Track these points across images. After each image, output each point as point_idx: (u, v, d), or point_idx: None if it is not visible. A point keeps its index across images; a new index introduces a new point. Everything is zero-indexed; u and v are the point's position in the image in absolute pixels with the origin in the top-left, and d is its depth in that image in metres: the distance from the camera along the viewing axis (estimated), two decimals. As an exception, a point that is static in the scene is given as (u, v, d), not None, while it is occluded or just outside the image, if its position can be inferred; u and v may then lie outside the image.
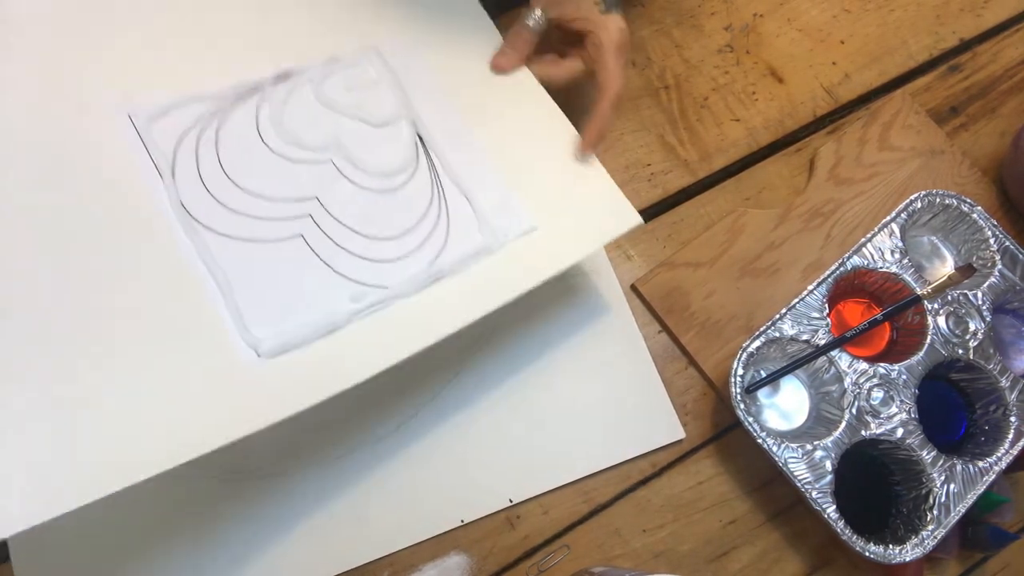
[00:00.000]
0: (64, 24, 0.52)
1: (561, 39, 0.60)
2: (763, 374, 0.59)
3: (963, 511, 0.57)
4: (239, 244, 0.50)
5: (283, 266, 0.50)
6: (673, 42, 0.73)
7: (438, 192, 0.55)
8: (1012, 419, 0.60)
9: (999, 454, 0.59)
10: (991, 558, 0.62)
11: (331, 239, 0.52)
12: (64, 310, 0.45)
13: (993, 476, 0.58)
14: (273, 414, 0.45)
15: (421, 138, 0.56)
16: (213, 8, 0.56)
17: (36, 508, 0.40)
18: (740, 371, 0.57)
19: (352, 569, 0.54)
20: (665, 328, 0.63)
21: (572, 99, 0.60)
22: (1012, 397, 0.60)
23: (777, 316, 0.59)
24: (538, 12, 0.58)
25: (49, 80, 0.51)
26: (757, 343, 0.58)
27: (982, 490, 0.57)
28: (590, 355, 0.62)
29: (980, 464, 0.58)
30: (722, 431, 0.62)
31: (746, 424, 0.56)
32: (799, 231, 0.67)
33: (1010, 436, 0.59)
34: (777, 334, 0.59)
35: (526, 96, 0.59)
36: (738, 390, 0.57)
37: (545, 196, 0.56)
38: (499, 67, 0.59)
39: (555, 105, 0.59)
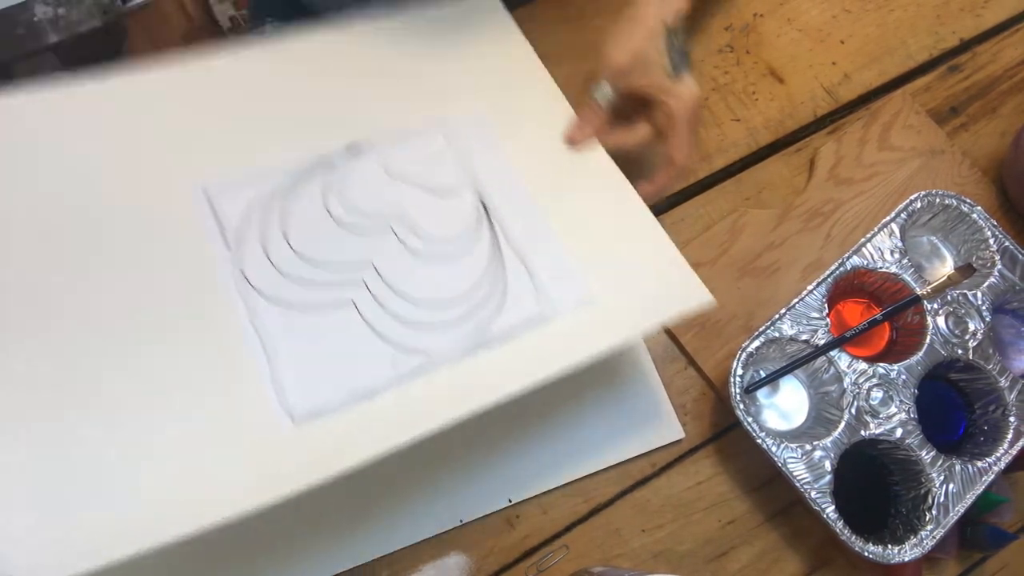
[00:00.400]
0: (147, 101, 0.56)
1: (629, 103, 0.59)
2: (762, 374, 0.59)
3: (962, 511, 0.57)
4: (292, 311, 0.52)
5: (331, 332, 0.51)
6: (673, 42, 0.73)
7: (497, 259, 0.55)
8: (1011, 419, 0.60)
9: (998, 454, 0.59)
10: (990, 558, 0.62)
11: (380, 305, 0.53)
12: (116, 362, 0.48)
13: (992, 476, 0.58)
14: (304, 479, 0.45)
15: (485, 206, 0.57)
16: (290, 86, 0.58)
17: (60, 562, 0.41)
18: (739, 371, 0.57)
19: (352, 569, 0.54)
20: (665, 328, 0.63)
21: (631, 160, 0.60)
22: (1011, 397, 0.60)
23: (777, 316, 0.59)
24: (607, 86, 0.58)
25: (132, 152, 0.54)
26: (757, 343, 0.58)
27: (981, 490, 0.58)
28: None
29: (979, 464, 0.58)
30: (721, 431, 0.62)
31: (745, 424, 0.56)
32: (799, 231, 0.67)
33: (1009, 436, 0.59)
34: (777, 334, 0.59)
35: (593, 166, 0.59)
36: (737, 390, 0.57)
37: (608, 268, 0.56)
38: (572, 140, 0.59)
39: (623, 176, 0.59)
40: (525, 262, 0.55)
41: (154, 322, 0.50)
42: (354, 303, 0.52)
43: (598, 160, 0.59)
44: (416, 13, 0.63)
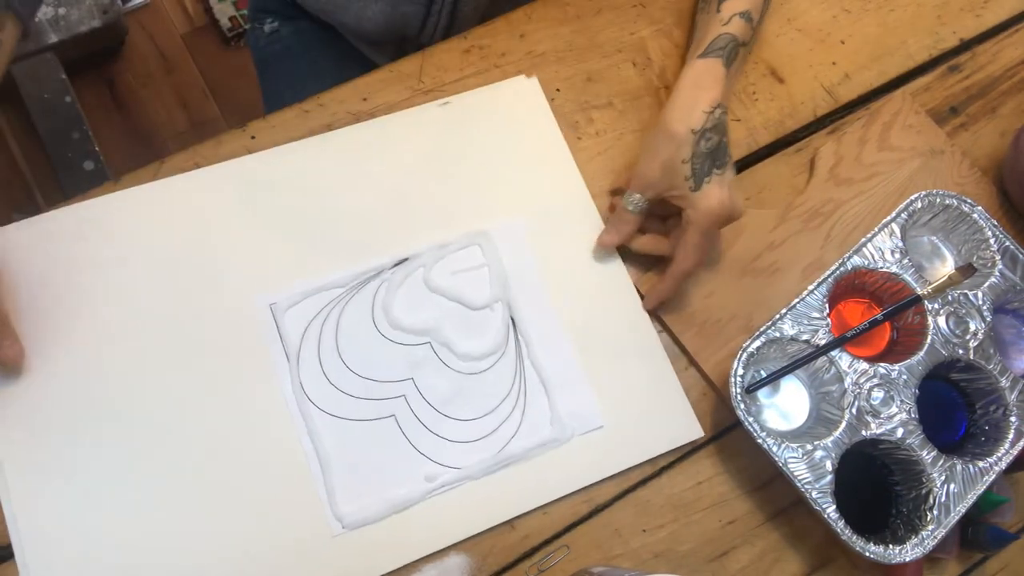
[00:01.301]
0: (221, 225, 0.60)
1: (663, 207, 0.61)
2: (763, 374, 0.59)
3: (963, 511, 0.57)
4: (342, 423, 0.56)
5: (375, 445, 0.56)
6: (673, 42, 0.73)
7: (520, 378, 0.59)
8: (1012, 419, 0.60)
9: (999, 454, 0.59)
10: (991, 558, 0.62)
11: (419, 419, 0.57)
12: (190, 461, 0.54)
13: (993, 476, 0.58)
14: None
15: (513, 320, 0.60)
16: (348, 205, 0.61)
17: None
18: (740, 371, 0.57)
19: (352, 569, 0.54)
20: (665, 328, 0.63)
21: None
22: (1012, 397, 0.60)
23: (777, 316, 0.59)
24: (636, 196, 0.60)
25: (209, 273, 0.58)
26: (757, 343, 0.58)
27: (982, 490, 0.57)
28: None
29: (980, 464, 0.58)
30: (722, 431, 0.62)
31: (746, 424, 0.56)
32: (799, 231, 0.67)
33: (1010, 436, 0.59)
34: (777, 334, 0.59)
35: (611, 279, 0.63)
36: (738, 390, 0.57)
37: (617, 395, 0.60)
38: (603, 244, 0.63)
39: (636, 296, 0.63)
40: (545, 384, 0.59)
41: (223, 428, 0.55)
42: (395, 417, 0.57)
43: (615, 274, 0.63)
44: (461, 97, 0.66)
